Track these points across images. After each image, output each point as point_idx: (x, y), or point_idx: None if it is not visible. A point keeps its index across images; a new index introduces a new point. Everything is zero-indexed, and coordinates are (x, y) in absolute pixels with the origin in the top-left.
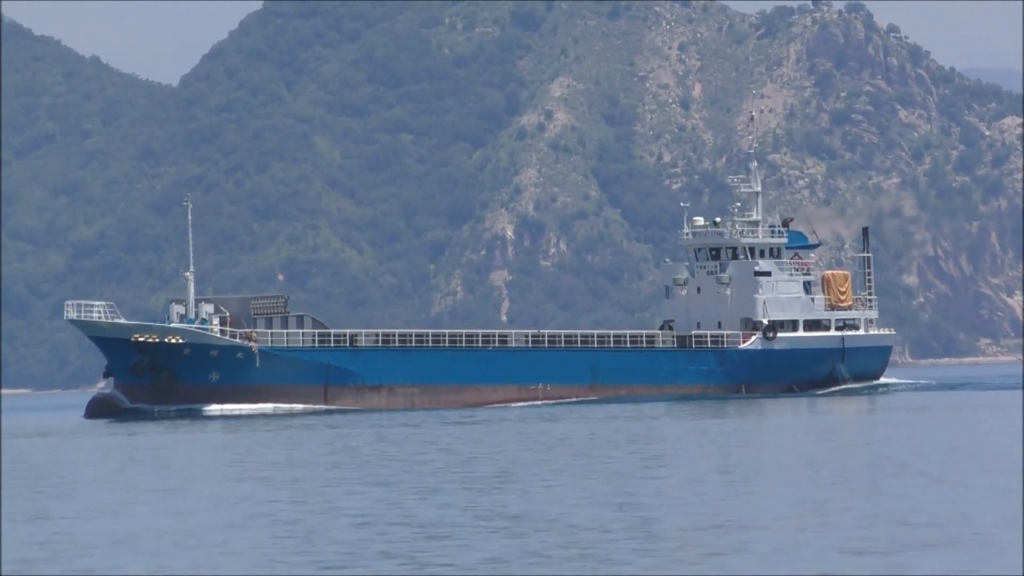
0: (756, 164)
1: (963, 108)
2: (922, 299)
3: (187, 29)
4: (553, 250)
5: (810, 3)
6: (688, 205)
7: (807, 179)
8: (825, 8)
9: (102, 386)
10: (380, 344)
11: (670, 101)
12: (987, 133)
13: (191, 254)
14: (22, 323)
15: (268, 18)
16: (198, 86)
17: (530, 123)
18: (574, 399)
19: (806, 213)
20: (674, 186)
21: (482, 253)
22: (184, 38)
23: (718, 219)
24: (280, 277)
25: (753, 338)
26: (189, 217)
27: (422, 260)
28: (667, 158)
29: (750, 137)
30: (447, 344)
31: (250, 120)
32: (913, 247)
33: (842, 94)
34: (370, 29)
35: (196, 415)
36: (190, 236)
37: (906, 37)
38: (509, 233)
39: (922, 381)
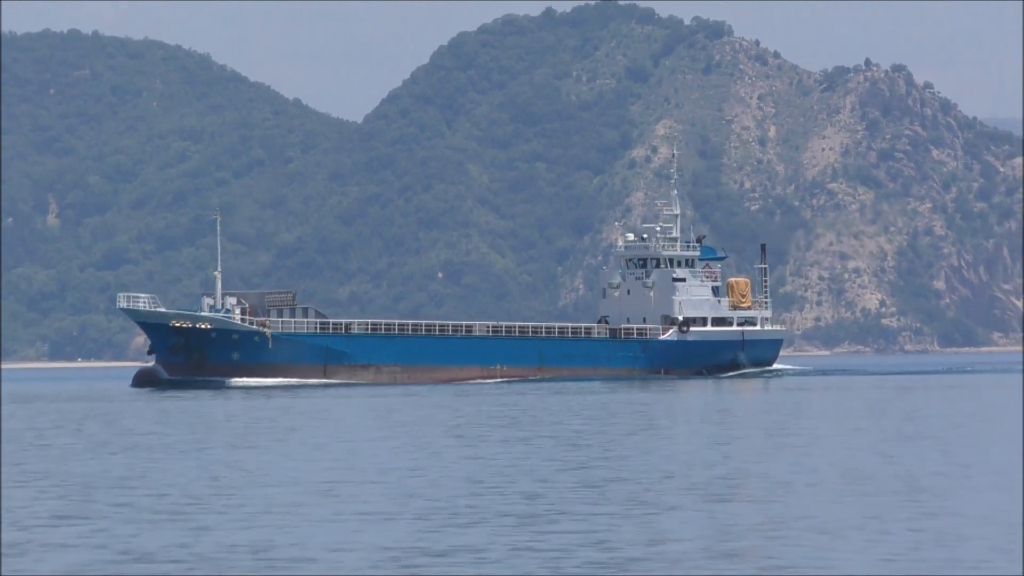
0: (676, 192)
1: (982, 149)
2: (948, 300)
3: (370, 77)
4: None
5: (863, 64)
6: (621, 222)
7: (858, 203)
8: (874, 68)
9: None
10: (370, 331)
11: (750, 140)
12: (1001, 169)
13: (219, 257)
14: None
15: (433, 70)
16: (377, 123)
17: (639, 156)
18: (527, 378)
19: (851, 228)
20: (752, 207)
21: (599, 258)
22: (367, 85)
23: (645, 235)
24: (439, 275)
25: (671, 331)
26: (218, 227)
27: (551, 263)
28: (747, 185)
29: (813, 169)
30: (424, 332)
31: (418, 150)
32: (941, 259)
33: (887, 136)
34: (513, 80)
35: (220, 386)
36: (219, 243)
37: (938, 92)
38: (621, 243)
39: (806, 368)
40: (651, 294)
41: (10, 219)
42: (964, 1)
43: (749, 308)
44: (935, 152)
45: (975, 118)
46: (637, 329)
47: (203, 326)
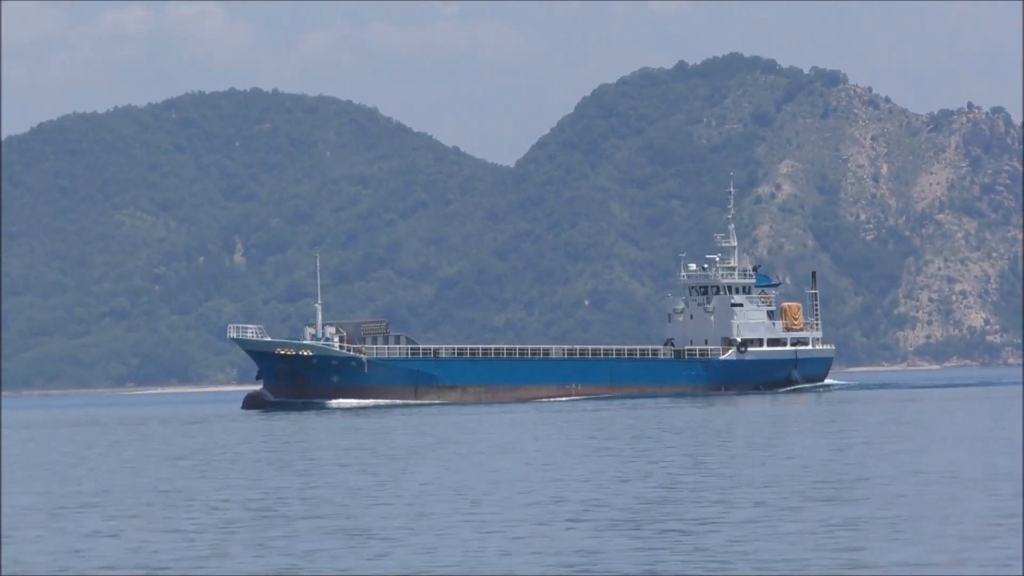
0: (733, 226)
1: None
2: None
3: (521, 126)
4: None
5: (965, 107)
6: (685, 255)
7: (963, 232)
8: (976, 110)
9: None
10: (456, 356)
11: (864, 177)
12: None
13: (319, 292)
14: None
15: (578, 119)
16: (528, 167)
17: (764, 192)
18: (598, 395)
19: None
20: (868, 237)
21: None
22: (519, 132)
23: (706, 265)
24: (586, 303)
25: (730, 351)
26: (318, 265)
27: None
28: (863, 217)
29: (922, 202)
30: (505, 355)
31: (564, 191)
32: None
33: (988, 171)
34: (650, 126)
35: (321, 407)
36: (319, 280)
37: None
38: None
39: (852, 383)
40: (712, 318)
41: (201, 258)
42: None
43: (801, 330)
44: None
45: None
46: (699, 350)
47: (305, 353)
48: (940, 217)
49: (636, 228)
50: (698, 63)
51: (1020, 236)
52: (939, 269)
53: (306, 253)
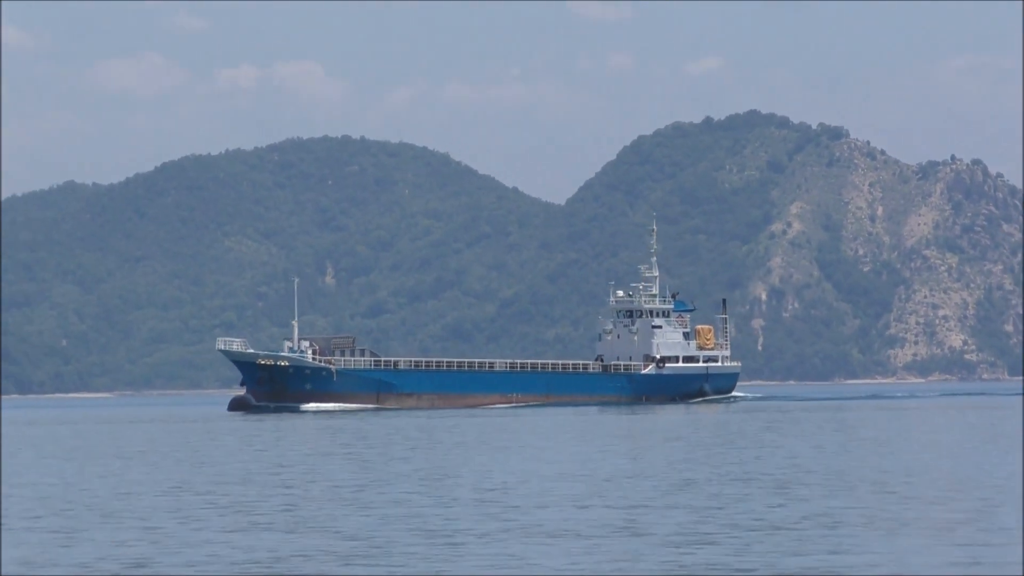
0: (655, 259)
1: None
2: (1015, 339)
3: (570, 170)
4: (791, 307)
5: (949, 159)
6: (613, 283)
7: (947, 266)
8: (958, 162)
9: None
10: (413, 367)
11: (863, 217)
12: None
13: (296, 311)
14: (467, 347)
15: (619, 164)
16: (576, 205)
17: (777, 229)
18: (536, 403)
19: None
20: (865, 268)
21: (747, 307)
22: (568, 176)
23: (631, 292)
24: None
25: (650, 367)
26: (295, 289)
27: (710, 312)
28: (861, 252)
29: (912, 239)
30: (456, 368)
31: (607, 225)
32: (1010, 308)
33: (968, 214)
34: (681, 172)
35: (296, 410)
36: (296, 301)
37: (1007, 179)
38: (763, 296)
39: (756, 396)
40: (635, 338)
41: (297, 279)
42: None
43: (712, 348)
44: (1005, 227)
45: None
46: (624, 365)
47: (282, 363)
48: (927, 252)
49: (668, 258)
50: (722, 118)
51: (995, 269)
52: (925, 297)
53: (386, 276)
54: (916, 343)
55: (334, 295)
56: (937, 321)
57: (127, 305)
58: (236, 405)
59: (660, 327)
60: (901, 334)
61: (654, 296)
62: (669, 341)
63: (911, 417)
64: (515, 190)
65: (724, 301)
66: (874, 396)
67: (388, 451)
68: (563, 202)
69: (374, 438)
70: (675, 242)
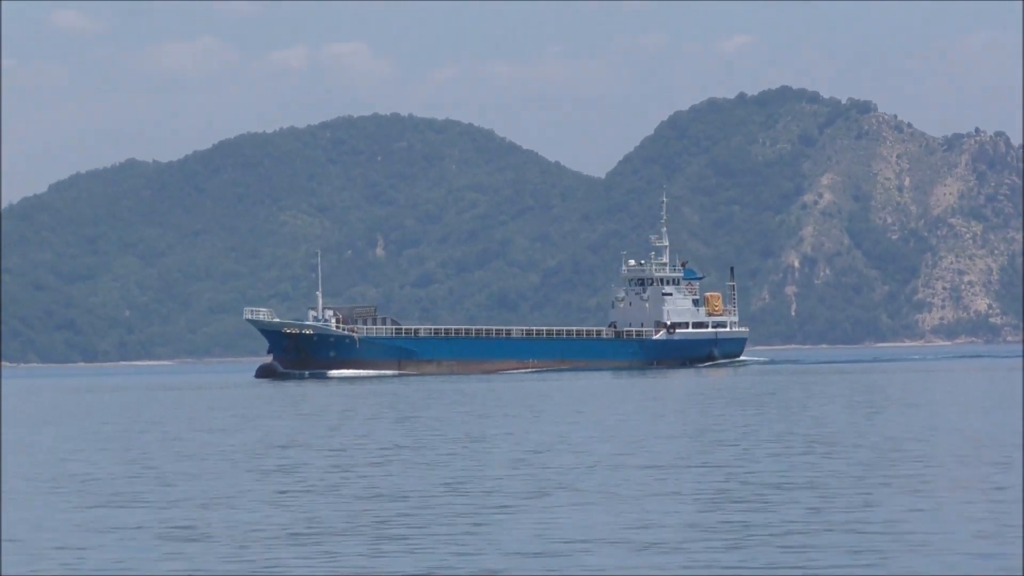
0: (665, 229)
1: None
2: None
3: (611, 144)
4: (822, 274)
5: (973, 131)
6: (625, 253)
7: (971, 233)
8: (982, 134)
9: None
10: (432, 335)
11: (891, 187)
12: None
13: (319, 283)
14: (513, 315)
15: (657, 138)
16: (616, 178)
17: (809, 200)
18: (552, 368)
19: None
20: (893, 237)
21: (780, 275)
22: (609, 149)
23: (643, 261)
24: None
25: (661, 332)
26: (318, 262)
27: (747, 280)
28: (889, 220)
29: (938, 208)
30: (474, 335)
31: (645, 199)
32: None
33: (992, 184)
34: (715, 145)
35: (322, 377)
36: (319, 272)
37: None
38: (796, 263)
39: (763, 359)
40: (647, 305)
41: (349, 251)
42: None
43: (720, 315)
44: None
45: None
46: (636, 331)
47: (307, 332)
48: (952, 221)
49: (704, 229)
50: (755, 94)
51: (1018, 237)
52: (951, 263)
53: (435, 247)
54: (943, 307)
55: (384, 266)
56: (963, 286)
57: (187, 277)
58: (263, 372)
59: (670, 294)
60: (928, 299)
61: (664, 264)
62: (679, 308)
63: (891, 379)
64: (557, 164)
65: (732, 269)
66: (875, 359)
67: (444, 415)
68: (603, 175)
69: (417, 402)
70: (711, 213)
